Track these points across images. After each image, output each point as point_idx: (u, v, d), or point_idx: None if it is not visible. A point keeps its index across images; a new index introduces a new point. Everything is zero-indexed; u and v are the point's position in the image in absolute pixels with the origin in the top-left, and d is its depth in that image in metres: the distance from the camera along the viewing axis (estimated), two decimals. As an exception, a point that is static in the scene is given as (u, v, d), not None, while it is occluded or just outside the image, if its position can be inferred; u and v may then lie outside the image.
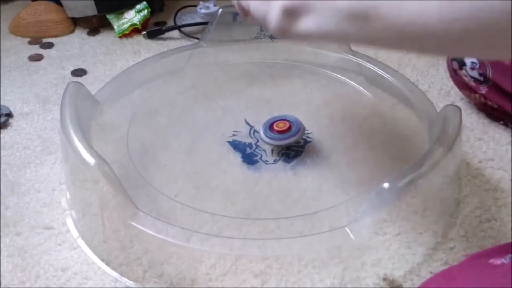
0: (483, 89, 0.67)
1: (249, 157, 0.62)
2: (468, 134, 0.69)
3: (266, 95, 0.74)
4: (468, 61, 0.66)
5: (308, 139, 0.64)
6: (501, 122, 0.70)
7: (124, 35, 0.96)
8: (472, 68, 0.66)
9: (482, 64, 0.64)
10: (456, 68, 0.68)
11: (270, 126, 0.63)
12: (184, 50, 0.79)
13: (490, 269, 0.38)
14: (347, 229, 0.47)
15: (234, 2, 0.48)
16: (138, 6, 0.97)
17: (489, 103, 0.68)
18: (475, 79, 0.67)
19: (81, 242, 0.53)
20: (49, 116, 0.74)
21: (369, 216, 0.47)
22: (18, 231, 0.55)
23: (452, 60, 0.69)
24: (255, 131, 0.66)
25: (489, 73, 0.64)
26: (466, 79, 0.68)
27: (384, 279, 0.49)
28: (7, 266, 0.51)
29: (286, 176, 0.60)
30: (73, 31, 1.00)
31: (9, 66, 0.88)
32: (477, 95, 0.69)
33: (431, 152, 0.51)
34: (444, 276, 0.41)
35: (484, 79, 0.66)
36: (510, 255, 0.38)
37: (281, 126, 0.62)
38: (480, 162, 0.64)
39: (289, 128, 0.61)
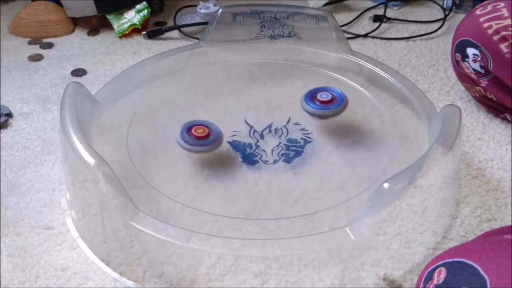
0: (484, 82, 0.67)
1: (249, 157, 0.62)
2: (468, 134, 0.69)
3: (266, 95, 0.74)
4: (470, 53, 0.66)
5: (308, 139, 0.64)
6: (502, 115, 0.70)
7: (124, 35, 0.96)
8: (474, 61, 0.66)
9: (483, 56, 0.64)
10: (459, 60, 0.68)
11: (311, 97, 0.65)
12: (184, 50, 0.79)
13: (505, 243, 0.39)
14: (347, 229, 0.47)
15: None
16: (138, 6, 0.97)
17: (490, 95, 0.68)
18: (476, 72, 0.67)
19: (81, 242, 0.53)
20: (49, 116, 0.74)
21: (369, 216, 0.47)
22: (18, 231, 0.55)
23: (456, 51, 0.69)
24: (255, 131, 0.66)
25: (490, 65, 0.64)
26: (467, 71, 0.68)
27: (384, 279, 0.49)
28: (7, 266, 0.51)
29: (286, 176, 0.60)
30: (73, 31, 1.00)
31: (9, 66, 0.87)
32: (478, 88, 0.69)
33: (431, 152, 0.51)
34: (458, 250, 0.41)
35: (485, 72, 0.66)
36: None
37: (324, 97, 0.64)
38: (480, 162, 0.64)
39: (332, 100, 0.64)
